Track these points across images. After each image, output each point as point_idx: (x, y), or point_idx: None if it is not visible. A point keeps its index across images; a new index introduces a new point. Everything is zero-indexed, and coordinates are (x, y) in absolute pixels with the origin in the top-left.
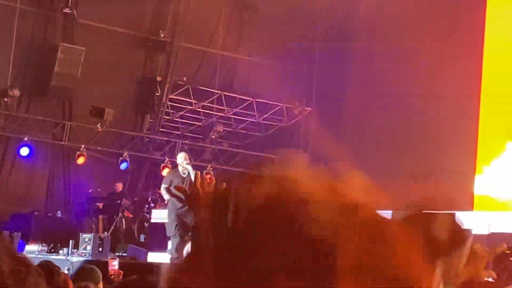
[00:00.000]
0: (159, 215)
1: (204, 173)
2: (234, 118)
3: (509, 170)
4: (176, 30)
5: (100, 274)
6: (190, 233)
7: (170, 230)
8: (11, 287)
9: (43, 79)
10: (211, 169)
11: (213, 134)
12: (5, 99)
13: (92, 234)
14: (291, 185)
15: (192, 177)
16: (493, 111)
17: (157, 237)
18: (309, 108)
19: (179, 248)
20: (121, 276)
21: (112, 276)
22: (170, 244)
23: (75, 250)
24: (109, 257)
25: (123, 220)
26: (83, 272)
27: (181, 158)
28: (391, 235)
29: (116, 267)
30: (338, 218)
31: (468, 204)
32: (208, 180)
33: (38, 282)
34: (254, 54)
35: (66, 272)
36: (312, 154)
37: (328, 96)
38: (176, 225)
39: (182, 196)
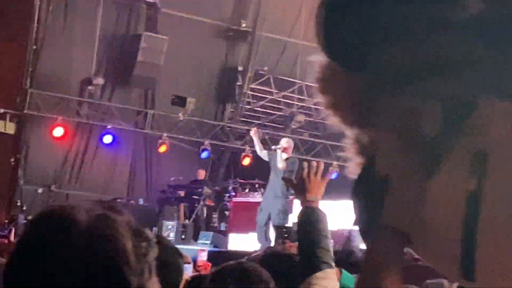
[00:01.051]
0: (239, 204)
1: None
2: (315, 108)
3: None
4: (258, 20)
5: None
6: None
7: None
8: (133, 263)
9: (126, 68)
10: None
11: (293, 124)
12: (89, 87)
13: (175, 221)
14: None
15: (277, 160)
16: None
17: (238, 225)
18: None
19: (259, 237)
20: (208, 269)
21: (200, 267)
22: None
23: None
24: (199, 248)
25: (204, 208)
26: None
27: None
28: None
29: (205, 258)
30: None
31: None
32: (315, 169)
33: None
34: None
35: None
36: None
37: None
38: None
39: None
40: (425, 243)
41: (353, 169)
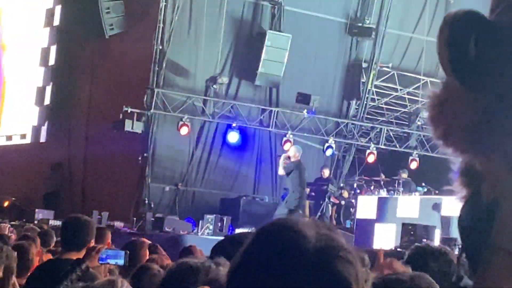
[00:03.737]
0: (365, 202)
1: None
2: None
3: None
4: (382, 16)
5: None
6: None
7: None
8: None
9: (251, 66)
10: (416, 155)
11: (418, 121)
12: (215, 85)
13: None
14: None
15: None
16: None
17: (363, 223)
18: None
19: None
20: None
21: None
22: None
23: None
24: None
25: (329, 205)
26: None
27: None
28: None
29: None
30: None
31: None
32: None
33: None
34: None
35: None
36: None
37: None
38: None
39: None
40: None
41: (458, 203)
